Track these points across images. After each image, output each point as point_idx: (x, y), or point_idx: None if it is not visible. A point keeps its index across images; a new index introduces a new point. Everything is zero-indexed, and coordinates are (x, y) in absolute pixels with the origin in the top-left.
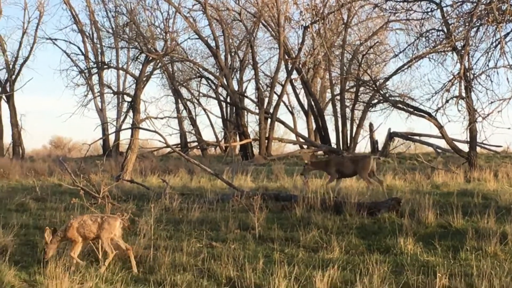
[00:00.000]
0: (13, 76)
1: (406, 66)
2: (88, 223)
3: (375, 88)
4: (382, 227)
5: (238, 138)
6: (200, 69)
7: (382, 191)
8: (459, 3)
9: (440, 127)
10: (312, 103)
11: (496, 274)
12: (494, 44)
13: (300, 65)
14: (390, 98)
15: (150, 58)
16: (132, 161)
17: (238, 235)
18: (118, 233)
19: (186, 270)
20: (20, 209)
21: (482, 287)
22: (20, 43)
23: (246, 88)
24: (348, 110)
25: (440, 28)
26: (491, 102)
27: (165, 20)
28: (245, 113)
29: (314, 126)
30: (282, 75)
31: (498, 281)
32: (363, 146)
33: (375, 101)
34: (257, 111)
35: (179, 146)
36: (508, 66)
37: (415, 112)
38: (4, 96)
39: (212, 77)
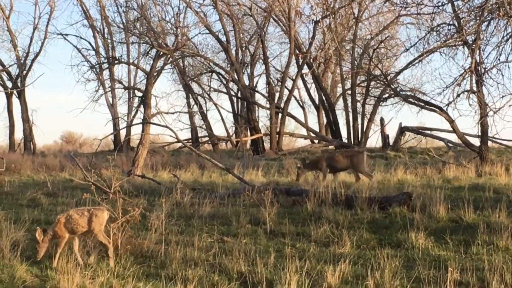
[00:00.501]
0: (24, 72)
1: (417, 61)
2: (75, 218)
3: (386, 83)
4: (393, 221)
5: (249, 133)
6: (211, 64)
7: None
8: None
9: (451, 121)
10: (323, 97)
11: (507, 269)
12: (505, 38)
13: (311, 60)
14: (401, 92)
15: (161, 53)
16: (143, 156)
17: (249, 230)
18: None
19: (197, 265)
20: (31, 204)
21: (493, 282)
22: (31, 38)
23: (257, 83)
24: (359, 105)
25: (451, 22)
26: (502, 96)
27: (176, 15)
28: (256, 108)
29: (325, 120)
30: (293, 70)
31: (509, 275)
32: (374, 140)
33: (386, 95)
34: (268, 105)
35: (190, 141)
36: None
37: (426, 106)
38: (15, 92)
39: (223, 72)
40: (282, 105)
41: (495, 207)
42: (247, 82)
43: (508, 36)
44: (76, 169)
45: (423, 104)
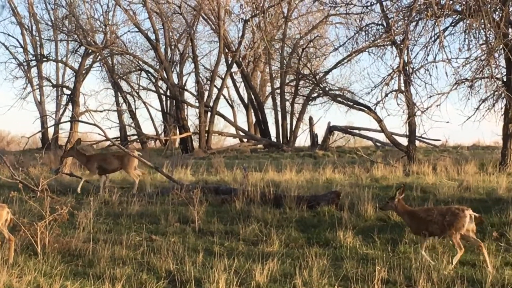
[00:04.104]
0: None
1: (345, 60)
2: None
3: (315, 82)
4: (322, 220)
5: (178, 132)
6: (140, 62)
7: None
8: None
9: (379, 120)
10: (252, 96)
11: (434, 267)
12: (433, 39)
13: (240, 59)
14: (329, 91)
15: (90, 51)
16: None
17: (178, 228)
18: (3, 222)
19: (125, 263)
20: None
21: (420, 280)
22: None
23: (186, 81)
24: (288, 104)
25: (379, 22)
26: (430, 96)
27: (105, 13)
28: (185, 107)
29: (254, 119)
30: (222, 69)
31: (436, 274)
32: (303, 139)
33: (315, 94)
34: (197, 104)
35: (119, 139)
36: (447, 60)
37: (355, 106)
38: None
39: (152, 70)
40: (211, 104)
41: (423, 206)
42: (176, 81)
43: (435, 37)
44: (3, 167)
45: (351, 103)
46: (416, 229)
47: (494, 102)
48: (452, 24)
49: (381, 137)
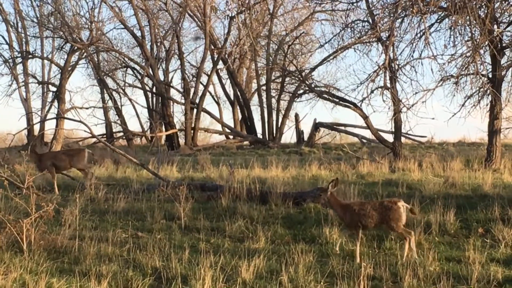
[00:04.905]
0: None
1: (331, 57)
2: None
3: (301, 79)
4: (308, 217)
5: (164, 129)
6: (126, 59)
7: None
8: None
9: (365, 117)
10: (238, 93)
11: (420, 263)
12: (418, 35)
13: (226, 56)
14: (315, 88)
15: (75, 47)
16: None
17: (163, 225)
18: None
19: (111, 260)
20: None
21: (406, 276)
22: None
23: (172, 78)
24: (274, 101)
25: (365, 19)
26: (416, 93)
27: (91, 10)
28: (171, 103)
29: (240, 116)
30: (208, 66)
31: (422, 270)
32: (289, 136)
33: (301, 91)
34: (183, 101)
35: (105, 136)
36: (432, 57)
37: (341, 102)
38: None
39: (137, 67)
40: (197, 101)
41: (408, 203)
42: (162, 78)
43: (421, 33)
44: None
45: (337, 100)
46: (350, 222)
47: (479, 98)
48: (438, 21)
49: (367, 133)
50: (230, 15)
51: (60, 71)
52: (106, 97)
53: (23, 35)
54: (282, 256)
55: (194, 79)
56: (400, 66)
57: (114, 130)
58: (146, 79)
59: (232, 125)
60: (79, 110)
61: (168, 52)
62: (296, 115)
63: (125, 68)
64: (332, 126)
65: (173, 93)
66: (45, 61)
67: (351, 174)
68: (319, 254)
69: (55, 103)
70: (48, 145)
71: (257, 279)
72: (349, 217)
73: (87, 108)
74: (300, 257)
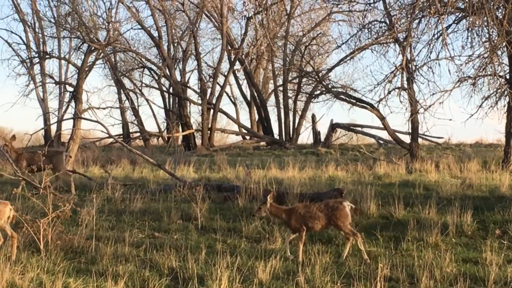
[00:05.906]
0: None
1: (348, 58)
2: None
3: (318, 79)
4: None
5: (180, 129)
6: (143, 60)
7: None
8: None
9: (382, 118)
10: (255, 94)
11: (437, 265)
12: (436, 36)
13: (243, 56)
14: (332, 89)
15: (93, 48)
16: (74, 151)
17: (180, 225)
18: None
19: (128, 260)
20: None
21: (423, 278)
22: None
23: (189, 78)
24: (290, 101)
25: (382, 20)
26: (433, 94)
27: (108, 10)
28: (188, 104)
29: (256, 117)
30: (225, 66)
31: (439, 271)
32: (305, 137)
33: (318, 92)
34: (199, 101)
35: (122, 136)
36: (450, 58)
37: (357, 103)
38: None
39: (154, 68)
40: (214, 101)
41: (425, 204)
42: (179, 78)
43: (438, 34)
44: (6, 164)
45: (354, 101)
46: (295, 226)
47: (497, 99)
48: (455, 22)
49: (384, 134)
50: (247, 15)
51: (77, 71)
52: (123, 97)
53: (40, 35)
54: (299, 256)
55: (211, 79)
56: (417, 67)
57: (131, 131)
58: (163, 80)
59: (248, 125)
60: (96, 111)
61: (185, 52)
62: (313, 116)
63: (142, 69)
64: (349, 127)
65: (190, 93)
66: (62, 61)
67: (367, 175)
68: (336, 255)
69: (72, 103)
70: (65, 145)
71: (273, 280)
72: (294, 221)
73: (104, 108)
74: (317, 258)
